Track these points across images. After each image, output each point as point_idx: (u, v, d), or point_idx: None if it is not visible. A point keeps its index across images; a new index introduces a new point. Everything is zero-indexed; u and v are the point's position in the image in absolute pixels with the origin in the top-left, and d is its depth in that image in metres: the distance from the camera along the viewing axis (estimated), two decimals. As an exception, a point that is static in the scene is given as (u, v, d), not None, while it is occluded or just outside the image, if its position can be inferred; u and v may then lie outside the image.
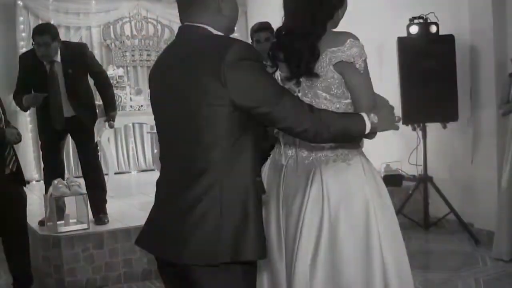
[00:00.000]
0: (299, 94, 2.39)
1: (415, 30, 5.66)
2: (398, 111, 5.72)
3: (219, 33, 2.07)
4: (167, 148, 2.16)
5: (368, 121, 2.14)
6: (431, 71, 5.55)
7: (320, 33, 2.38)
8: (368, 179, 2.42)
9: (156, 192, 2.17)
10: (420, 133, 5.91)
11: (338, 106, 2.37)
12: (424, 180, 5.94)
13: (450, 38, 5.59)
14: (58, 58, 5.05)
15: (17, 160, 4.43)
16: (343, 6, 2.48)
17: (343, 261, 2.30)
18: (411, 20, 5.72)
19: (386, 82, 6.41)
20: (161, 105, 2.15)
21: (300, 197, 2.37)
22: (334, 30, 2.47)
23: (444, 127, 5.79)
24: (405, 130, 6.05)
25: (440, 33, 5.64)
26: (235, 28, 2.24)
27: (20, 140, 4.46)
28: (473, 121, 5.67)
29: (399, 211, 5.90)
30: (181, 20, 2.14)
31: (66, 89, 5.09)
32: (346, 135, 2.16)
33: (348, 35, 2.37)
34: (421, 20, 5.71)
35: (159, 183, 2.18)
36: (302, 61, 2.35)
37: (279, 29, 2.48)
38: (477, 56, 5.59)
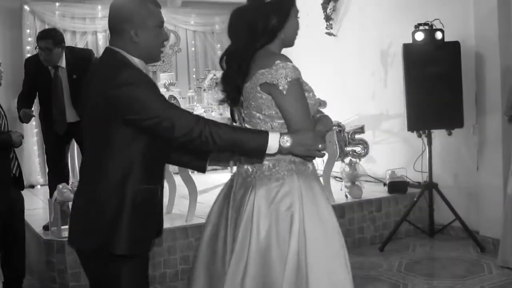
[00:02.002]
0: (243, 115, 2.56)
1: (421, 37, 5.65)
2: (403, 118, 5.73)
3: (133, 58, 2.37)
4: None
5: (276, 141, 2.25)
6: (437, 77, 5.54)
7: (248, 58, 2.49)
8: (300, 197, 2.43)
9: None
10: (425, 139, 5.89)
11: (271, 125, 2.46)
12: (429, 187, 5.92)
13: (455, 45, 5.58)
14: (63, 63, 5.07)
15: (19, 165, 4.46)
16: (285, 27, 2.52)
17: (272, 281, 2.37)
18: (417, 27, 5.71)
19: (392, 89, 6.43)
20: (84, 114, 2.51)
21: (241, 213, 2.47)
22: (277, 52, 2.55)
23: (450, 133, 5.78)
24: (410, 137, 6.04)
25: (446, 39, 5.63)
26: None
27: (20, 144, 4.49)
28: (478, 128, 5.65)
29: (404, 218, 5.89)
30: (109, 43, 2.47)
31: (70, 94, 5.11)
32: (237, 148, 2.32)
33: (277, 57, 2.43)
34: (426, 27, 5.70)
35: None
36: (233, 88, 2.54)
37: (221, 56, 2.64)
38: (482, 62, 5.57)
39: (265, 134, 2.27)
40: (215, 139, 2.24)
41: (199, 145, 2.29)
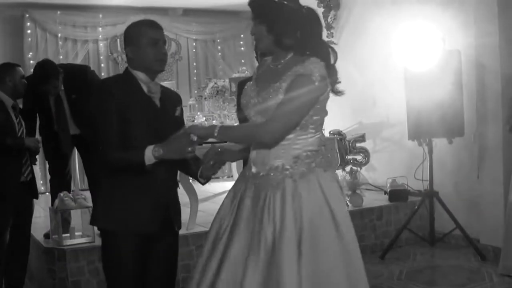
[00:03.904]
0: None
1: (422, 45, 5.66)
2: (404, 126, 5.74)
3: (137, 72, 2.79)
4: None
5: (150, 152, 2.61)
6: (437, 86, 5.54)
7: None
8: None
9: None
10: (426, 148, 5.90)
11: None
12: (430, 195, 5.92)
13: (456, 54, 5.59)
14: (61, 86, 5.04)
15: (32, 171, 4.50)
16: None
17: None
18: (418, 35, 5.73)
19: (392, 97, 6.44)
20: None
21: None
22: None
23: (450, 142, 5.78)
24: (411, 145, 6.05)
25: (446, 48, 5.64)
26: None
27: (39, 151, 4.59)
28: (479, 136, 5.66)
29: (404, 226, 5.89)
30: None
31: (70, 111, 5.11)
32: (134, 167, 2.66)
33: None
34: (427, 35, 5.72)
35: None
36: None
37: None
38: (483, 71, 5.58)
39: (142, 152, 2.62)
40: (119, 163, 2.69)
41: (111, 166, 2.74)
